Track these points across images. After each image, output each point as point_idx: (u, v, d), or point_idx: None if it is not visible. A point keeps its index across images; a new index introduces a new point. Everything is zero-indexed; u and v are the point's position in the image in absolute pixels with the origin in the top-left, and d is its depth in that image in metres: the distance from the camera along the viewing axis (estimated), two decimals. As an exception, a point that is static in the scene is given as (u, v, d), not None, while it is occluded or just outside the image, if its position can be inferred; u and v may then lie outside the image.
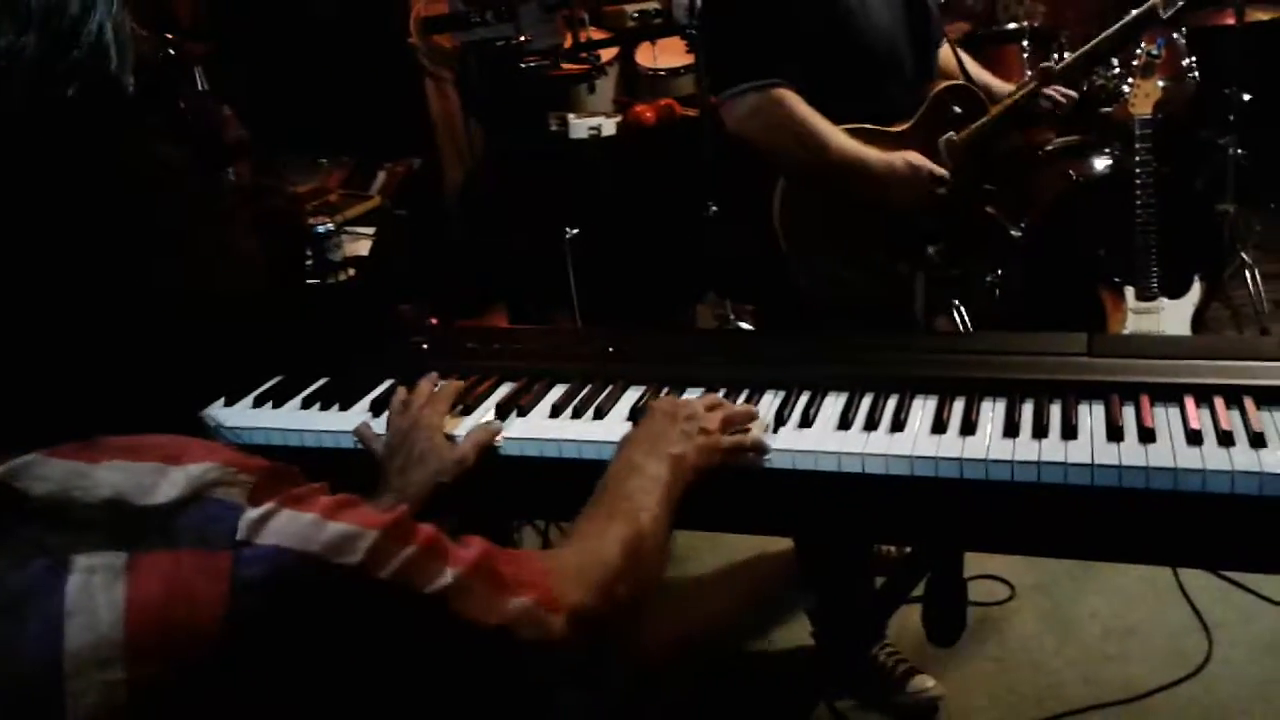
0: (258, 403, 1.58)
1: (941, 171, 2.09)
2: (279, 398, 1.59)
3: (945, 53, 2.31)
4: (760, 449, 1.34)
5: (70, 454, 0.64)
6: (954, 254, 2.27)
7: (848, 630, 2.30)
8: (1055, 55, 3.57)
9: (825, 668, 2.33)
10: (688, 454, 1.23)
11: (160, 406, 0.75)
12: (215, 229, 0.79)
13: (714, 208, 3.50)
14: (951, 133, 2.14)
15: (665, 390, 1.50)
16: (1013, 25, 3.80)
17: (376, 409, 1.52)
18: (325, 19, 3.77)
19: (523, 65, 3.51)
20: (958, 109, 2.15)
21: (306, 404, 1.56)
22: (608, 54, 4.10)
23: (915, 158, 2.06)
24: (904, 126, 2.11)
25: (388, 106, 3.92)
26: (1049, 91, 2.19)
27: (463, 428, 1.43)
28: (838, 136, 2.01)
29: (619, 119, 3.81)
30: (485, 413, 1.48)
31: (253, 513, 0.65)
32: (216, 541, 0.64)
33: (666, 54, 4.14)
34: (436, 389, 1.47)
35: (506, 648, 0.78)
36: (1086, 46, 2.25)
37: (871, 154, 2.03)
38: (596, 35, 4.05)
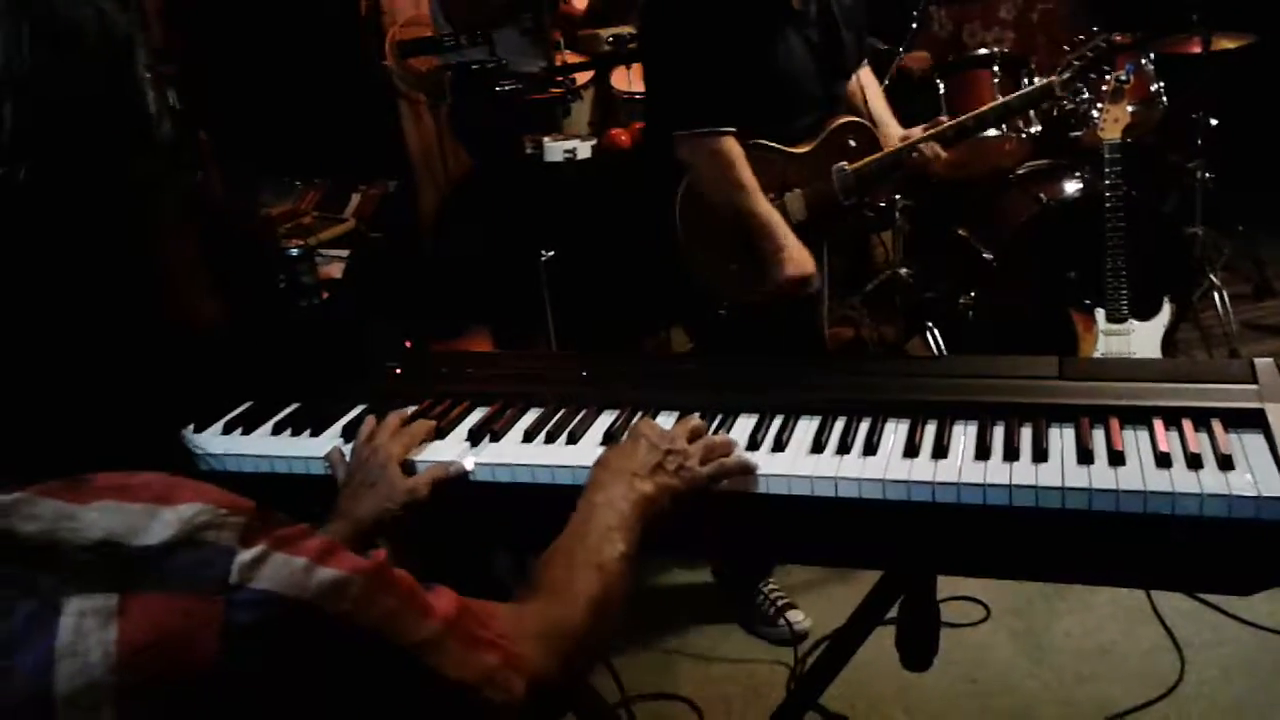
0: (227, 429, 1.57)
1: (812, 272, 2.37)
2: (249, 424, 1.57)
3: (856, 82, 2.58)
4: (747, 470, 1.33)
5: (59, 493, 0.63)
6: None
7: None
8: (1025, 80, 3.61)
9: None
10: (663, 496, 1.23)
11: (147, 434, 0.74)
12: (194, 247, 0.79)
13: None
14: (844, 162, 2.43)
15: (640, 414, 1.50)
16: (983, 51, 3.83)
17: (348, 435, 1.51)
18: (300, 42, 3.77)
19: (497, 89, 3.50)
20: (853, 142, 2.46)
21: (277, 430, 1.55)
22: (582, 77, 4.11)
23: (808, 261, 2.35)
24: (805, 149, 2.42)
25: (363, 129, 3.92)
26: (923, 148, 2.46)
27: (434, 454, 1.43)
28: (760, 198, 2.32)
29: (594, 142, 3.82)
30: (458, 439, 1.48)
31: (245, 555, 0.65)
32: (208, 586, 0.63)
33: (641, 77, 4.15)
34: (406, 423, 1.46)
35: (473, 705, 0.78)
36: (978, 110, 2.55)
37: (779, 225, 2.34)
38: (571, 59, 4.06)
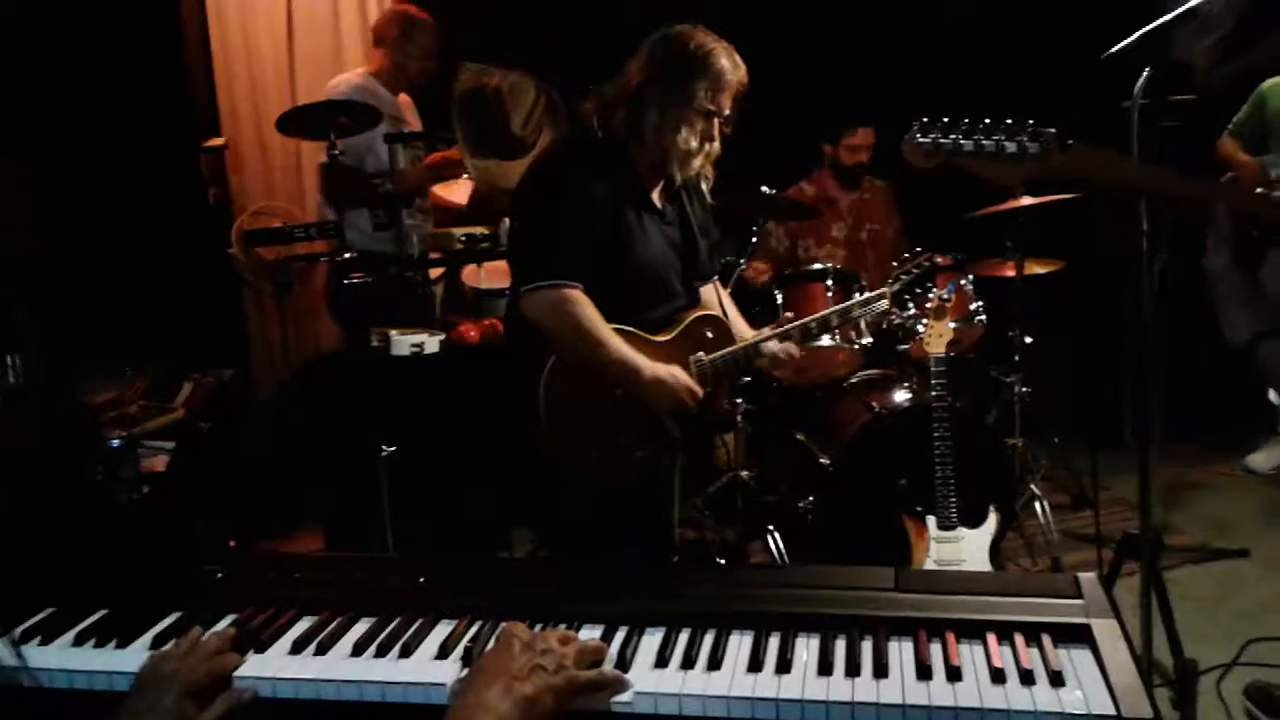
0: (24, 638, 1.44)
1: (697, 387, 2.46)
2: (49, 633, 1.44)
3: (711, 291, 2.73)
4: (622, 686, 1.28)
5: None
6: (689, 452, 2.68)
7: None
8: (857, 294, 3.82)
9: None
10: (544, 695, 1.17)
11: None
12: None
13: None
14: (702, 352, 2.54)
15: (478, 624, 1.44)
16: (818, 265, 4.06)
17: (159, 645, 1.40)
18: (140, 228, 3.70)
19: (345, 281, 3.49)
20: (710, 334, 2.60)
21: (80, 640, 1.43)
22: (434, 273, 4.14)
23: (678, 370, 2.44)
24: (665, 338, 2.52)
25: (201, 316, 3.84)
26: (774, 347, 2.61)
27: (255, 668, 1.33)
28: (614, 340, 2.37)
29: (442, 336, 3.82)
30: (280, 651, 1.38)
31: None
32: None
33: (492, 274, 4.21)
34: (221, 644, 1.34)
35: None
36: (809, 318, 2.72)
37: (642, 360, 2.39)
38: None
